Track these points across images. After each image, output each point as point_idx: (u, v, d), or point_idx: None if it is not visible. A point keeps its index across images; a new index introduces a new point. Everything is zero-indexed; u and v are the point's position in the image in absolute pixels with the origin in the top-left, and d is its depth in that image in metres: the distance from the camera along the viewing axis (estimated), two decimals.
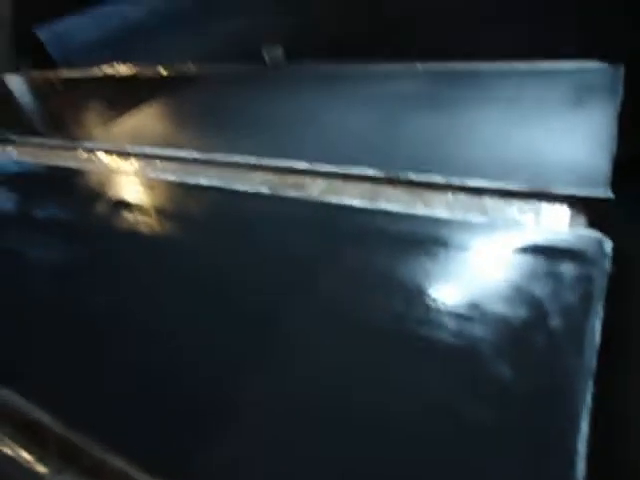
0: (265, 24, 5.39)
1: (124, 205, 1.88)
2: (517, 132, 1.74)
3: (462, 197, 1.49)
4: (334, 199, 1.60)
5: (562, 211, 1.37)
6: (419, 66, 2.43)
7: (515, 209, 1.42)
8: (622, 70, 1.89)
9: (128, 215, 1.82)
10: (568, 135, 1.66)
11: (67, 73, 4.05)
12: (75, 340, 1.32)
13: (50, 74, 4.27)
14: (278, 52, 2.74)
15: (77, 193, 2.06)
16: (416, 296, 1.17)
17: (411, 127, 1.91)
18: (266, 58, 2.76)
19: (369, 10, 3.34)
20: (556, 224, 1.34)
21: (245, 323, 1.23)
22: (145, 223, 1.75)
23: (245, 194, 1.75)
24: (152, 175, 2.07)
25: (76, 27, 8.03)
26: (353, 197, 1.61)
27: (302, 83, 2.56)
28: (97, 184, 2.10)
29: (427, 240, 1.35)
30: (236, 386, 1.08)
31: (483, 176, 1.53)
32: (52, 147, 2.58)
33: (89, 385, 1.19)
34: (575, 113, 1.76)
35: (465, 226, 1.37)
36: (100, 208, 1.88)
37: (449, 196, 1.51)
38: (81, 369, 1.23)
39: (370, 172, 1.66)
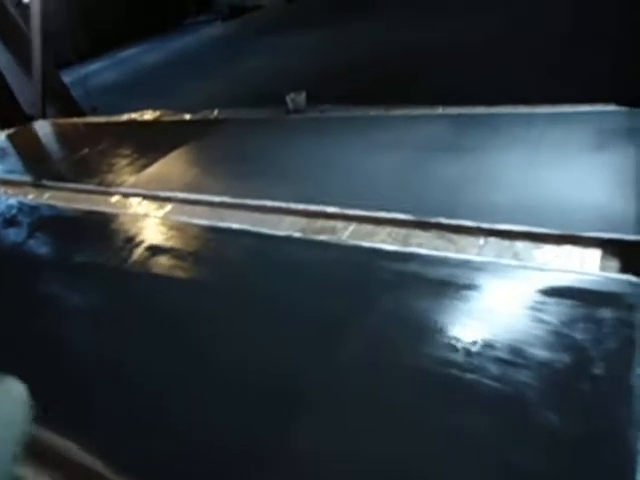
0: (286, 70, 5.58)
1: (158, 249, 1.94)
2: (542, 176, 1.79)
3: (493, 241, 1.53)
4: (365, 243, 1.65)
5: (593, 255, 1.40)
6: (440, 110, 2.52)
7: (546, 253, 1.45)
8: None
9: (162, 259, 1.87)
10: (593, 178, 1.70)
11: (94, 119, 4.23)
12: (126, 387, 1.35)
13: (77, 121, 4.46)
14: (301, 97, 2.86)
15: (111, 237, 2.12)
16: (456, 341, 1.19)
17: (437, 171, 1.96)
18: (289, 103, 2.87)
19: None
20: (588, 268, 1.37)
21: (294, 363, 1.25)
22: (180, 267, 1.81)
23: (277, 238, 1.80)
24: (182, 219, 2.14)
25: (97, 71, 8.33)
26: (384, 241, 1.65)
27: (325, 128, 2.65)
28: (131, 228, 2.17)
29: (462, 284, 1.37)
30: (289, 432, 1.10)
31: (512, 220, 1.57)
32: (84, 192, 2.67)
33: (146, 435, 1.21)
34: (598, 156, 1.81)
35: (499, 269, 1.40)
36: (134, 252, 1.94)
37: (480, 240, 1.55)
38: (136, 418, 1.26)
39: (400, 216, 1.70)
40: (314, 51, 6.23)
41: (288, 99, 2.87)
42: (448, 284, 1.38)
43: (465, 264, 1.44)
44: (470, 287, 1.36)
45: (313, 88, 3.02)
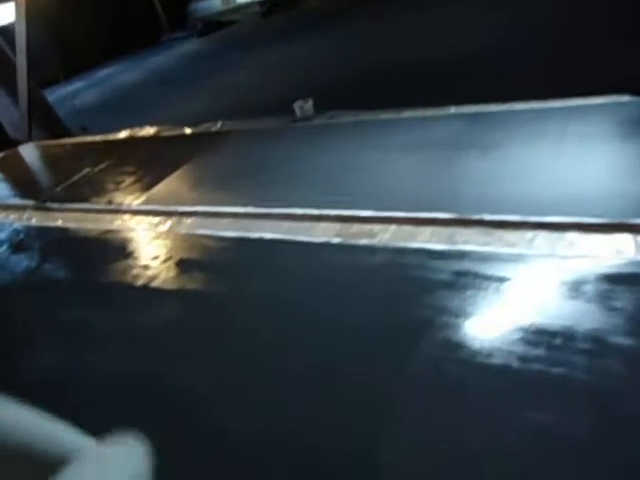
0: (273, 83, 5.57)
1: (189, 264, 1.88)
2: (571, 167, 1.80)
3: (542, 234, 1.52)
4: (410, 244, 1.63)
5: None
6: (453, 110, 2.53)
7: (599, 242, 1.45)
8: None
9: (196, 274, 1.81)
10: (623, 167, 1.72)
11: (88, 139, 4.13)
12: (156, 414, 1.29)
13: (69, 141, 4.35)
14: (309, 105, 2.84)
15: (136, 255, 2.06)
16: (532, 334, 1.17)
17: (465, 168, 1.96)
18: (297, 111, 2.85)
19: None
20: None
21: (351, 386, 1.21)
22: (217, 281, 1.76)
23: (315, 245, 1.76)
24: (206, 232, 2.09)
25: (75, 92, 8.20)
26: (428, 241, 1.63)
27: (338, 133, 2.64)
28: (154, 245, 2.11)
29: (522, 279, 1.36)
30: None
31: (555, 212, 1.56)
32: (94, 212, 2.59)
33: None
34: (623, 146, 1.84)
35: (555, 261, 1.39)
36: (165, 268, 1.88)
37: (528, 234, 1.54)
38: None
39: (441, 215, 1.69)
40: (297, 63, 6.25)
41: (296, 107, 2.85)
42: (507, 280, 1.37)
43: (520, 259, 1.43)
44: (531, 281, 1.35)
45: (298, 96, 3.00)
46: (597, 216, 1.50)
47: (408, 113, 2.62)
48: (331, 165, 2.32)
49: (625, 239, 1.42)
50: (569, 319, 1.19)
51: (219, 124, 3.29)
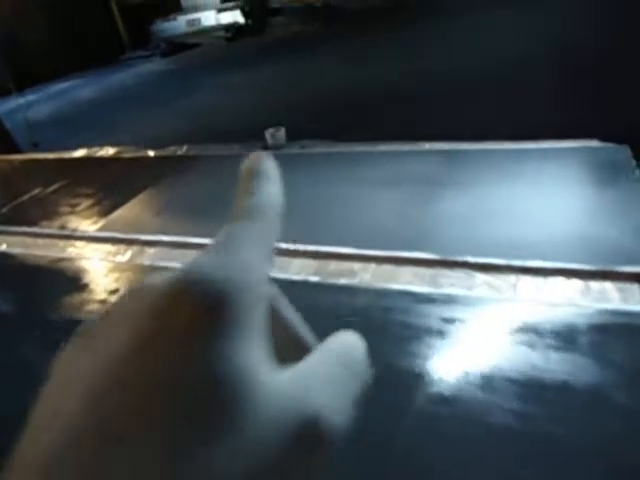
0: (237, 106, 5.51)
1: None
2: (551, 209, 1.80)
3: (528, 279, 1.49)
4: (393, 285, 1.55)
5: (631, 289, 1.40)
6: (427, 146, 2.52)
7: (582, 288, 1.43)
8: (628, 150, 2.04)
9: None
10: (603, 213, 1.74)
11: (40, 156, 3.88)
12: None
13: (18, 157, 4.08)
14: (281, 133, 2.77)
15: (89, 288, 1.88)
16: (525, 388, 1.11)
17: (444, 207, 1.93)
18: (268, 139, 2.77)
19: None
20: (627, 302, 1.36)
21: None
22: None
23: (292, 283, 1.66)
24: (168, 265, 1.94)
25: (27, 105, 7.85)
26: (411, 282, 1.57)
27: (311, 164, 2.57)
28: (111, 277, 1.94)
29: (516, 326, 1.31)
30: None
31: (538, 256, 1.54)
32: (45, 236, 2.38)
33: None
34: (599, 191, 1.87)
35: (547, 309, 1.35)
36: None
37: (512, 278, 1.51)
38: None
39: (423, 255, 1.64)
40: (261, 87, 6.25)
41: (267, 134, 2.77)
42: (503, 326, 1.31)
43: (508, 303, 1.39)
44: (524, 329, 1.30)
45: (265, 121, 2.95)
46: (579, 262, 1.49)
47: (383, 147, 2.60)
48: (305, 197, 2.24)
49: (608, 287, 1.41)
50: (572, 373, 1.14)
51: (184, 148, 3.16)
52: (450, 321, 1.36)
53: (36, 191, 2.98)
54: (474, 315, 1.37)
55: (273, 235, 0.20)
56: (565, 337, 1.25)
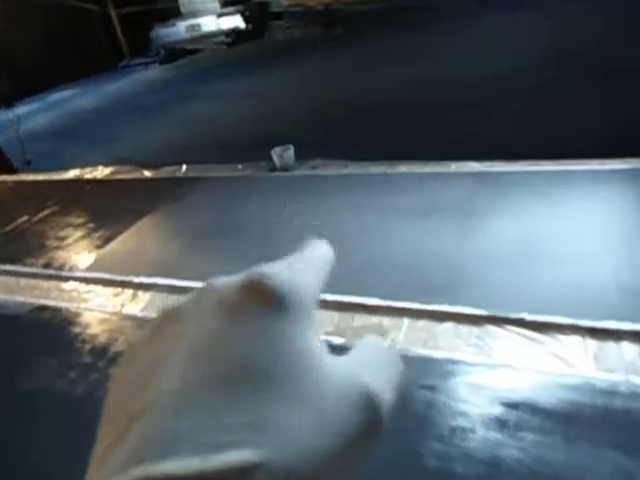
0: (240, 116, 5.27)
1: None
2: (612, 249, 1.53)
3: (600, 344, 1.22)
4: (435, 351, 1.28)
5: None
6: (454, 167, 2.25)
7: None
8: None
9: None
10: None
11: (30, 177, 3.63)
12: None
13: (7, 179, 3.83)
14: (289, 153, 2.50)
15: (73, 347, 1.61)
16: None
17: (488, 245, 1.65)
18: (275, 160, 2.51)
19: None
20: None
21: None
22: None
23: None
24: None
25: (24, 116, 7.61)
26: (457, 348, 1.29)
27: (323, 189, 2.30)
28: (99, 332, 1.67)
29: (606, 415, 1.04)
30: None
31: (611, 315, 1.27)
32: (27, 276, 2.12)
33: None
34: None
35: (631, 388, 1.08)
36: (110, 370, 1.46)
37: (581, 341, 1.23)
38: None
39: (468, 310, 1.36)
40: (262, 94, 6.02)
41: (274, 155, 2.51)
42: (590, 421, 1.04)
43: (588, 385, 1.12)
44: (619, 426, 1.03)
45: (266, 131, 2.69)
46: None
47: (403, 168, 2.33)
48: (317, 229, 1.97)
49: None
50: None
51: (184, 168, 2.90)
52: (513, 405, 1.08)
53: (23, 219, 2.73)
54: (541, 398, 1.10)
55: (327, 271, 0.24)
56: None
